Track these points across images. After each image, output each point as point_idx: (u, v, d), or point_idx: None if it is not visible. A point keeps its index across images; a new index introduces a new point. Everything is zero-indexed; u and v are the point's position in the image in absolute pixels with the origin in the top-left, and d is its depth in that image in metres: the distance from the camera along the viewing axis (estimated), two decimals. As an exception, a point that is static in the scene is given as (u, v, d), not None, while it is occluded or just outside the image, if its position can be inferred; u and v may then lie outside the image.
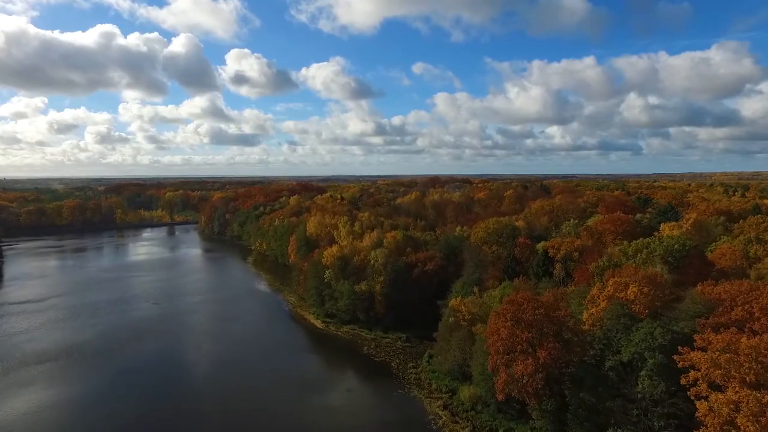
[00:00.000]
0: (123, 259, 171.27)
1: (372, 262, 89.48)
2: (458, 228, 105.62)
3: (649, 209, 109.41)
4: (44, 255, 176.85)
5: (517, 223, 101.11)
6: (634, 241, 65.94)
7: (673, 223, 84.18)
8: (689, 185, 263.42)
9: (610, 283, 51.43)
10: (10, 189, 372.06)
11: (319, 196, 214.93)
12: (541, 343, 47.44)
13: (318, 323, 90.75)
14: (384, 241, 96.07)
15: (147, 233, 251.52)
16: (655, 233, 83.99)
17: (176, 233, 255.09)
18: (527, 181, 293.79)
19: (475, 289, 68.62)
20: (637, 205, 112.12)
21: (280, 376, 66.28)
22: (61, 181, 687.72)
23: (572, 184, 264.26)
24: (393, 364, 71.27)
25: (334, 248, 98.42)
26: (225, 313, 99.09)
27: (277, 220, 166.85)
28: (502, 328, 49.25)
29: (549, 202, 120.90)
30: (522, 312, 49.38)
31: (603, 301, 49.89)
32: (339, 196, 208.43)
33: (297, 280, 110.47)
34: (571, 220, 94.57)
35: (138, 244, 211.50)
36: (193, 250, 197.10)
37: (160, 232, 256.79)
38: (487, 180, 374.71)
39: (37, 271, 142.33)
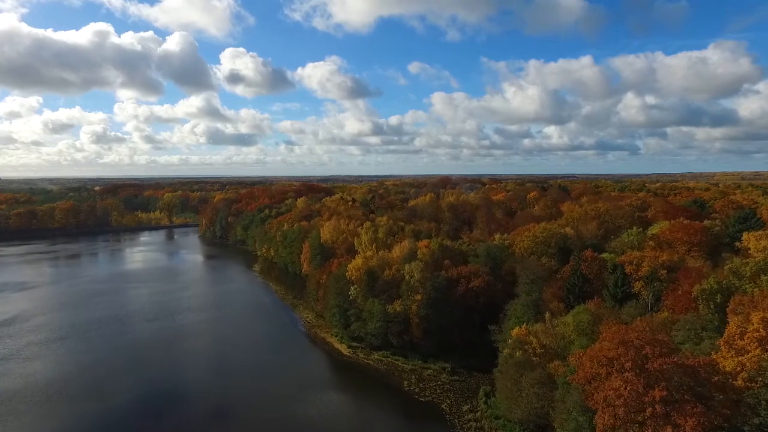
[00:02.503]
0: (119, 268, 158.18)
1: (407, 277, 77.07)
2: (498, 236, 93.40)
3: (714, 215, 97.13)
4: (33, 262, 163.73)
5: (564, 230, 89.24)
6: (749, 259, 53.53)
7: (760, 232, 72.04)
8: (717, 185, 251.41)
9: (756, 320, 39.10)
10: (5, 190, 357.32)
11: (329, 198, 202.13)
12: (680, 404, 35.13)
13: (343, 348, 78.18)
14: (418, 252, 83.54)
15: (144, 237, 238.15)
16: (737, 243, 72.43)
17: (175, 237, 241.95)
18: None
19: (547, 315, 56.20)
20: (696, 210, 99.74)
21: (308, 426, 53.73)
22: (57, 181, 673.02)
23: (591, 185, 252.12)
24: (444, 405, 58.77)
25: (359, 260, 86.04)
26: (233, 335, 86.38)
27: (285, 224, 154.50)
28: (619, 381, 36.87)
29: (593, 207, 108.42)
30: (646, 359, 37.12)
31: (753, 345, 37.58)
32: (350, 199, 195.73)
33: (314, 294, 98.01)
34: (633, 228, 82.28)
35: (135, 250, 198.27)
36: (194, 256, 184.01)
37: (159, 236, 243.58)
38: (496, 180, 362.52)
39: (23, 282, 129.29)
